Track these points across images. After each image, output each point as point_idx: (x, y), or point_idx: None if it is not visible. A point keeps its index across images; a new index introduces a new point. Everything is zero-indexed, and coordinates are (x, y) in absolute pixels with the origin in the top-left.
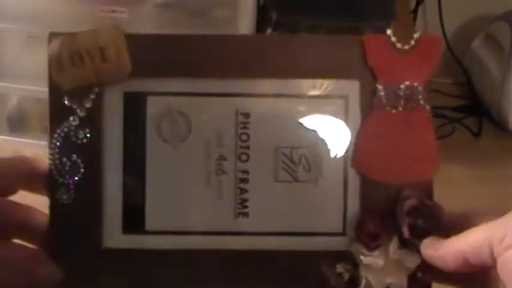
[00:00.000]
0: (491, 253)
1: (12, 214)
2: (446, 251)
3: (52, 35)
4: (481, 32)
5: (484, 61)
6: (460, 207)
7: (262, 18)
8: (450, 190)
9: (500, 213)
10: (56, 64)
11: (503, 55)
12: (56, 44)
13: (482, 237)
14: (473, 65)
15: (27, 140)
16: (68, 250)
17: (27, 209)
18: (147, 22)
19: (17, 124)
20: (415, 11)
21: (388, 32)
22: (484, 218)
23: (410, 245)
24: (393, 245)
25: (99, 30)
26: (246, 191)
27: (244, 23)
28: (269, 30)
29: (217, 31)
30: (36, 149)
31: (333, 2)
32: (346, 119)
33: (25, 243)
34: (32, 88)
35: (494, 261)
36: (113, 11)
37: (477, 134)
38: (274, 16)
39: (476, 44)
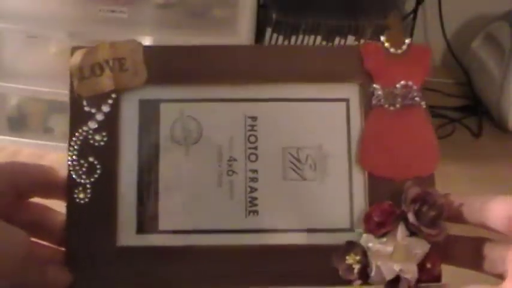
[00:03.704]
0: None
1: (30, 214)
2: None
3: (74, 48)
4: (481, 32)
5: (484, 61)
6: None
7: (262, 18)
8: (450, 190)
9: None
10: (77, 75)
11: (503, 55)
12: (77, 56)
13: None
14: (473, 65)
15: (27, 140)
16: (84, 248)
17: (43, 208)
18: (147, 22)
19: (17, 124)
20: (415, 11)
21: (382, 38)
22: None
23: (418, 232)
24: (400, 231)
25: (118, 43)
26: (255, 189)
27: (244, 23)
28: (269, 30)
29: (218, 31)
30: (36, 149)
31: (332, 2)
32: (348, 120)
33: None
34: (32, 88)
35: None
36: (113, 11)
37: (477, 134)
38: (274, 16)
39: (476, 44)
